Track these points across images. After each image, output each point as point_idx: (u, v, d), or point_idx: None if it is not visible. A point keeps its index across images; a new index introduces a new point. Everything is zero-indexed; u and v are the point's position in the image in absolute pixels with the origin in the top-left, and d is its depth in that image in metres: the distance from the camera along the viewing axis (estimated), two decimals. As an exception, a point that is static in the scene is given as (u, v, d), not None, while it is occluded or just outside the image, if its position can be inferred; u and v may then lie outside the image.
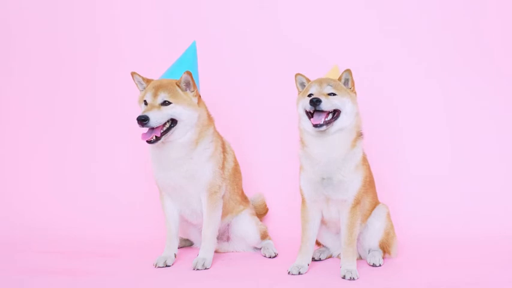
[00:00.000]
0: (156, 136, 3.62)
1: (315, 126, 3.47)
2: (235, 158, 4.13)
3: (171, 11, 4.98)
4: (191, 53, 3.88)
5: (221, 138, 4.00)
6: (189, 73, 3.69)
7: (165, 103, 3.64)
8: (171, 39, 4.90)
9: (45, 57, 5.06)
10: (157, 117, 3.60)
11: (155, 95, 3.65)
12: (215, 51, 4.87)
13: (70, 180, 4.97)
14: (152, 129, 3.63)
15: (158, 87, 3.67)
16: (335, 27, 4.89)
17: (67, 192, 4.94)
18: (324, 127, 3.48)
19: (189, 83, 3.72)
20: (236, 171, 4.11)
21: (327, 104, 3.47)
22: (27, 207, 4.87)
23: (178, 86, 3.71)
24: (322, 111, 3.47)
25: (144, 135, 3.64)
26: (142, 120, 3.56)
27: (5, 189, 4.98)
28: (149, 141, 3.63)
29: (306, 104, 3.53)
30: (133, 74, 3.80)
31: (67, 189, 4.95)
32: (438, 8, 4.84)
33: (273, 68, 4.88)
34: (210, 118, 3.89)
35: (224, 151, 3.97)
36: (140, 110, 3.72)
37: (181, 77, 3.71)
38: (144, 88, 3.78)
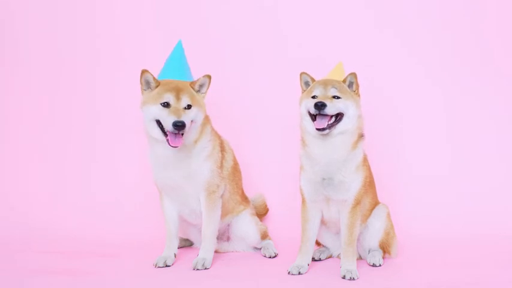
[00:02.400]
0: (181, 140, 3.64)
1: (318, 130, 3.47)
2: (234, 157, 4.12)
3: (171, 11, 4.98)
4: (179, 52, 3.86)
5: (219, 137, 4.00)
6: (209, 77, 3.76)
7: (188, 107, 3.65)
8: (171, 39, 4.86)
9: (44, 58, 5.05)
10: (188, 122, 3.60)
11: (178, 98, 3.62)
12: (215, 51, 4.88)
13: (70, 180, 4.97)
14: (175, 134, 3.60)
15: (179, 90, 3.64)
16: (335, 27, 4.89)
17: (67, 192, 4.93)
18: (327, 131, 3.48)
19: (204, 86, 3.77)
20: (235, 170, 4.10)
21: (331, 108, 3.47)
22: (27, 207, 4.86)
23: (192, 87, 3.73)
24: (325, 115, 3.47)
25: (173, 141, 3.59)
26: (181, 126, 3.54)
27: (5, 189, 4.97)
28: (177, 146, 3.61)
29: (309, 105, 3.53)
30: (145, 72, 3.71)
31: (67, 189, 4.94)
32: (438, 8, 4.85)
33: (273, 68, 4.88)
34: (206, 117, 3.89)
35: (223, 150, 3.97)
36: (146, 110, 3.66)
37: (198, 79, 3.75)
38: (155, 88, 3.68)
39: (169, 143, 3.59)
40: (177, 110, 3.59)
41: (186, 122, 3.56)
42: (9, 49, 5.09)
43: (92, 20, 5.03)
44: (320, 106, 3.44)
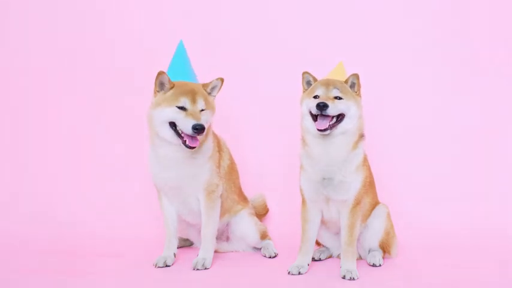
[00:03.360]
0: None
1: (319, 130, 3.47)
2: (231, 156, 4.12)
3: (170, 11, 4.98)
4: (181, 52, 3.87)
5: (216, 136, 4.01)
6: (222, 80, 3.80)
7: (202, 110, 3.67)
8: (172, 39, 4.87)
9: (46, 57, 5.04)
10: (206, 125, 3.64)
11: (194, 101, 3.64)
12: (215, 51, 4.87)
13: (70, 181, 4.96)
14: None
15: (195, 93, 3.66)
16: (335, 27, 4.89)
17: (67, 192, 4.92)
18: (328, 131, 3.48)
19: (216, 88, 3.81)
20: (232, 169, 4.10)
21: (333, 109, 3.46)
22: (27, 207, 4.86)
23: (205, 90, 3.76)
24: (327, 115, 3.47)
25: (190, 142, 3.61)
26: (201, 130, 3.57)
27: (5, 190, 4.97)
28: (194, 147, 3.64)
29: (311, 105, 3.52)
30: (161, 73, 3.68)
31: (67, 189, 4.93)
32: (438, 8, 4.85)
33: (273, 68, 4.88)
34: None
35: (220, 149, 3.98)
36: (159, 112, 3.65)
37: (211, 82, 3.78)
38: (169, 89, 3.68)
39: (186, 145, 3.61)
40: (194, 113, 3.61)
41: (205, 125, 3.59)
42: (11, 49, 5.08)
43: (93, 20, 5.02)
44: (322, 107, 3.43)
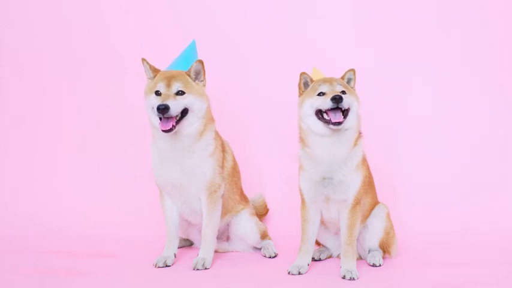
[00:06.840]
0: (173, 125, 3.62)
1: (335, 124, 3.45)
2: (233, 157, 4.13)
3: (169, 11, 4.99)
4: (191, 51, 3.89)
5: (220, 137, 4.01)
6: (201, 62, 3.75)
7: (179, 93, 3.65)
8: (169, 39, 4.90)
9: (58, 58, 5.05)
10: (176, 106, 3.61)
11: (169, 85, 3.65)
12: (215, 51, 4.87)
13: (70, 180, 4.97)
14: (167, 118, 3.61)
15: (171, 77, 3.67)
16: (334, 27, 4.90)
17: (67, 192, 4.93)
18: (342, 125, 3.48)
19: (200, 72, 3.77)
20: (235, 170, 4.11)
21: (345, 102, 3.47)
22: (27, 208, 4.86)
23: (188, 75, 3.74)
24: (340, 109, 3.47)
25: (163, 125, 3.61)
26: (163, 109, 3.55)
27: (4, 190, 4.97)
28: (168, 130, 3.61)
29: (319, 103, 3.51)
30: (143, 60, 3.77)
31: (67, 189, 4.94)
32: (435, 7, 4.85)
33: (273, 68, 4.89)
34: (211, 117, 3.89)
35: (224, 150, 3.98)
36: (146, 101, 3.71)
37: (191, 66, 3.75)
38: (152, 78, 3.76)
39: (160, 128, 3.62)
40: (165, 95, 3.62)
41: (171, 105, 3.57)
42: (15, 49, 5.08)
43: (94, 18, 5.04)
44: (338, 99, 3.43)
